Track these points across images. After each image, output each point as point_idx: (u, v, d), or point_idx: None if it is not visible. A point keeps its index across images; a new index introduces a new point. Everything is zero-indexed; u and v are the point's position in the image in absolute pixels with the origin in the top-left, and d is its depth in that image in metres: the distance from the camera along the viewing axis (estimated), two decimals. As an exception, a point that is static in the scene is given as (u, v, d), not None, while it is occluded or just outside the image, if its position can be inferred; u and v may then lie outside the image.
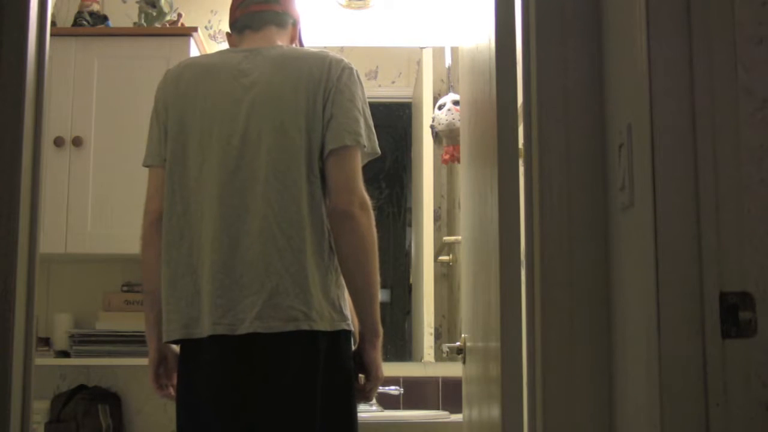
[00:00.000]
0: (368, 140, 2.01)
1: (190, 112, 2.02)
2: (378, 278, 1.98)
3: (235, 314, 1.88)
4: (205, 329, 1.90)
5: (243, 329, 1.87)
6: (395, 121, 3.48)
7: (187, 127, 2.02)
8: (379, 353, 2.01)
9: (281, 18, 2.16)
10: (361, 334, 2.00)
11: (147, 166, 2.09)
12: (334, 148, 1.95)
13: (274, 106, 1.97)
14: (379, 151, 2.06)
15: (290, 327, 1.86)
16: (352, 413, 1.96)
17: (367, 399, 2.05)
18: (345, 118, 1.97)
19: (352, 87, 2.01)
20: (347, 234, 1.93)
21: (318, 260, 1.92)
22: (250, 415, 1.90)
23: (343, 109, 1.97)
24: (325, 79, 1.99)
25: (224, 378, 1.91)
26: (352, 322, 1.98)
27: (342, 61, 2.05)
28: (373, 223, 1.97)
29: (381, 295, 3.43)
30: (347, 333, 1.95)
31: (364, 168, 2.02)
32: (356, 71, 2.06)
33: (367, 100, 2.06)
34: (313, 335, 1.88)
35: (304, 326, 1.86)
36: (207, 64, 2.10)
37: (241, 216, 1.92)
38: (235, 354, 1.89)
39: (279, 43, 2.13)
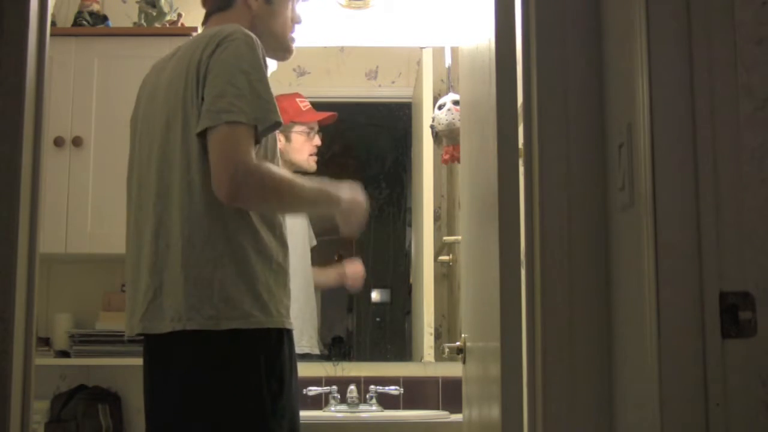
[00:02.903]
0: (252, 110, 1.80)
1: (135, 116, 2.07)
2: (302, 201, 1.97)
3: (135, 316, 1.91)
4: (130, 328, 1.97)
5: (136, 330, 1.91)
6: (395, 121, 3.48)
7: (135, 130, 2.06)
8: (342, 202, 2.01)
9: (222, 1, 2.06)
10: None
11: None
12: (198, 132, 1.82)
13: (164, 101, 1.93)
14: (272, 117, 1.84)
15: (168, 328, 1.82)
16: (260, 424, 1.83)
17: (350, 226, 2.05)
18: (209, 97, 1.81)
19: (225, 59, 1.82)
20: (248, 209, 1.84)
21: (207, 254, 1.81)
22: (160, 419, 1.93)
23: (209, 88, 1.82)
24: (198, 60, 1.85)
25: (144, 376, 1.99)
26: (278, 318, 1.86)
27: (220, 34, 1.86)
28: (265, 181, 1.81)
29: (380, 295, 3.46)
30: (248, 332, 1.81)
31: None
32: (240, 38, 1.85)
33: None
34: (195, 336, 1.80)
35: (179, 327, 1.80)
36: (156, 64, 2.10)
37: (141, 219, 1.94)
38: (147, 353, 1.96)
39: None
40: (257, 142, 1.84)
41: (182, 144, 1.86)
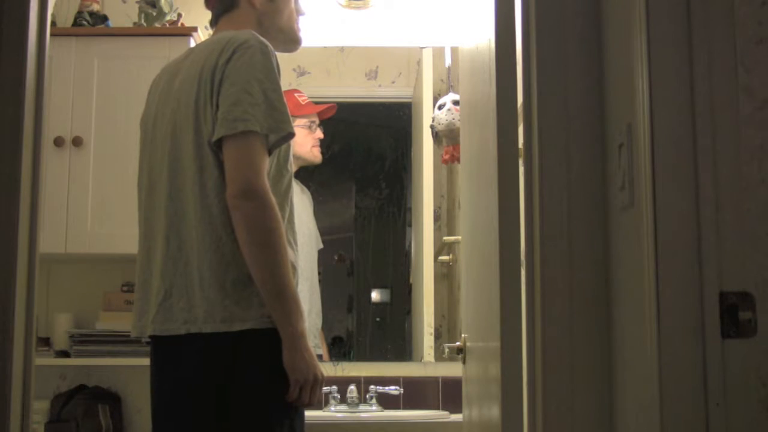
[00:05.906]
0: (266, 119, 1.83)
1: (147, 118, 2.07)
2: (282, 271, 1.80)
3: (147, 318, 1.92)
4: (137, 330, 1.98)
5: (148, 332, 1.92)
6: (395, 121, 3.48)
7: (146, 132, 2.06)
8: (299, 354, 1.81)
9: (227, 3, 2.08)
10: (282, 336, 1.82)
11: None
12: (215, 140, 1.84)
13: (175, 105, 1.94)
14: (285, 128, 1.87)
15: (182, 330, 1.84)
16: (271, 424, 1.83)
17: (301, 403, 1.85)
18: (225, 105, 1.83)
19: (240, 67, 1.85)
20: (236, 227, 1.80)
21: (217, 258, 1.83)
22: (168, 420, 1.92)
23: (225, 96, 1.84)
24: (213, 65, 1.87)
25: (152, 377, 1.98)
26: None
27: (235, 41, 1.88)
28: (267, 210, 1.79)
29: (380, 295, 3.47)
30: (259, 332, 1.81)
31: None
32: (255, 46, 1.87)
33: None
34: (207, 338, 1.82)
35: (193, 329, 1.82)
36: (168, 65, 2.12)
37: (152, 220, 1.96)
38: (156, 354, 1.95)
39: (228, 30, 2.01)
40: (269, 153, 1.87)
41: (194, 148, 1.88)
